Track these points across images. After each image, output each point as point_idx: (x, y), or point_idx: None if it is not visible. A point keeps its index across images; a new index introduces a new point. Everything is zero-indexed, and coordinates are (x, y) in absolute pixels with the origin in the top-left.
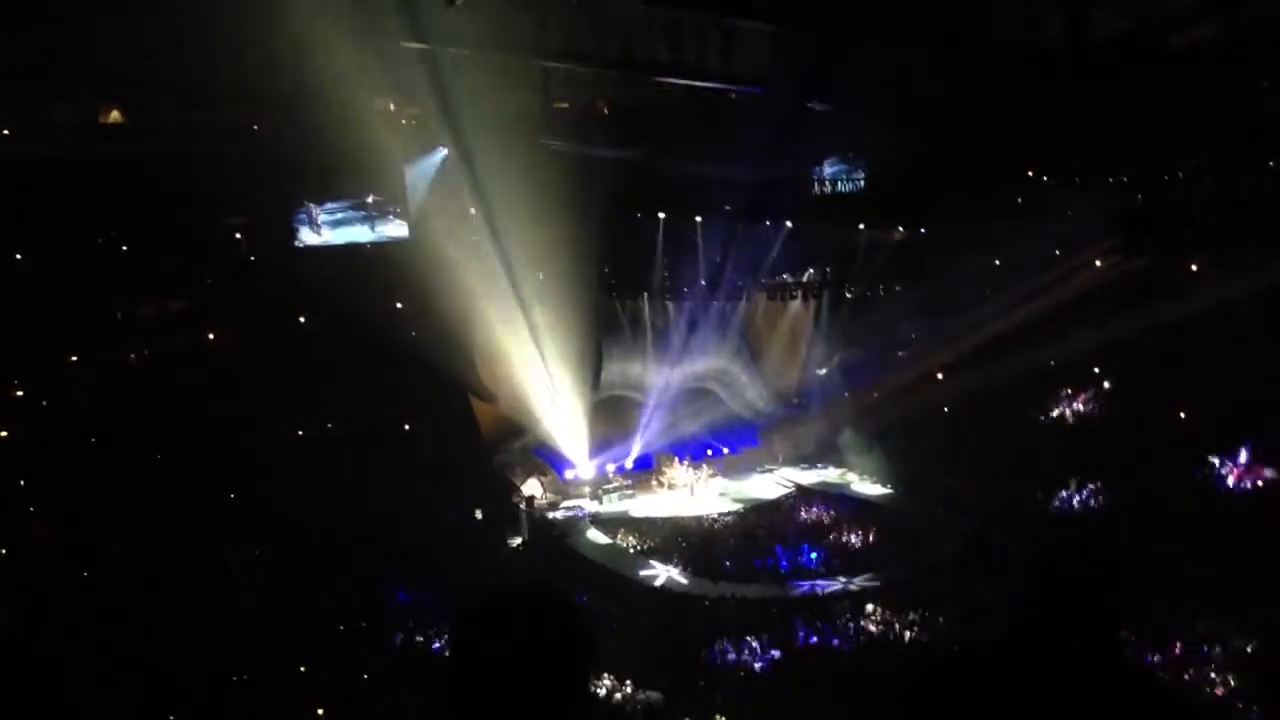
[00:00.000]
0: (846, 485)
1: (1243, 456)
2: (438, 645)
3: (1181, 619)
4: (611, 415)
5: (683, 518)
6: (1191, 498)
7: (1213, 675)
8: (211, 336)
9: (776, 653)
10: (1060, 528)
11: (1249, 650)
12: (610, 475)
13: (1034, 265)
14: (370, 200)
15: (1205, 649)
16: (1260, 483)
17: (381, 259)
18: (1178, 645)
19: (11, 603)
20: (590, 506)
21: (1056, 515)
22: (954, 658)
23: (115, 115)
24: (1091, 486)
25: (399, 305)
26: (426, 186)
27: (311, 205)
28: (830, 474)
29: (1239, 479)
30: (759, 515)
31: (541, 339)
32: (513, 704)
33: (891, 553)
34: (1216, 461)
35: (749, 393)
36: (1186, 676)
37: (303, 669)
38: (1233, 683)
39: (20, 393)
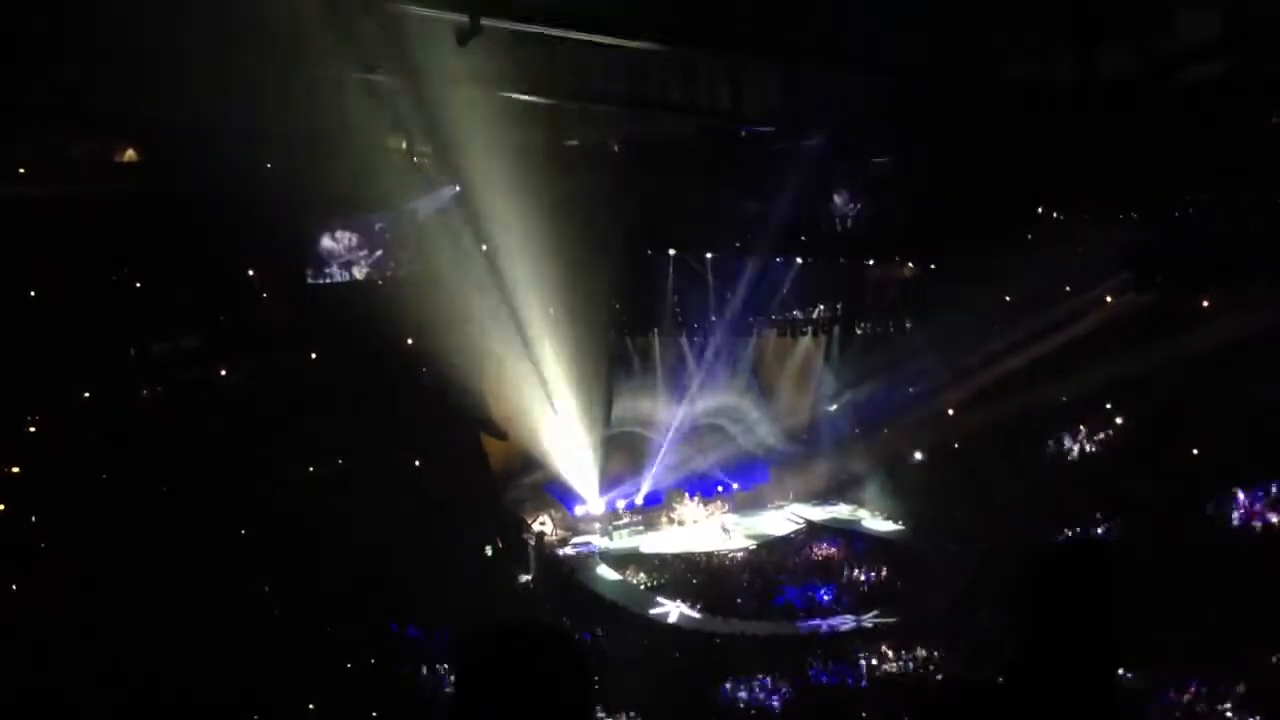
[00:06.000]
0: (858, 521)
1: (1257, 492)
2: (447, 682)
3: (1196, 656)
4: (622, 451)
5: (693, 554)
6: (1205, 534)
7: (1228, 714)
8: (224, 373)
9: (788, 691)
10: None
11: (1262, 688)
12: (620, 511)
13: (1044, 301)
14: (381, 238)
15: (1221, 687)
16: (1275, 519)
17: (392, 296)
18: (1193, 683)
19: (23, 636)
20: (600, 543)
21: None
22: (957, 692)
23: (131, 154)
24: (1104, 523)
25: (409, 342)
26: (437, 223)
27: (323, 243)
28: (841, 510)
29: (1252, 516)
30: (770, 552)
31: (552, 375)
32: None
33: (903, 590)
34: (1231, 497)
35: (760, 429)
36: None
37: (311, 706)
38: None
39: (34, 429)
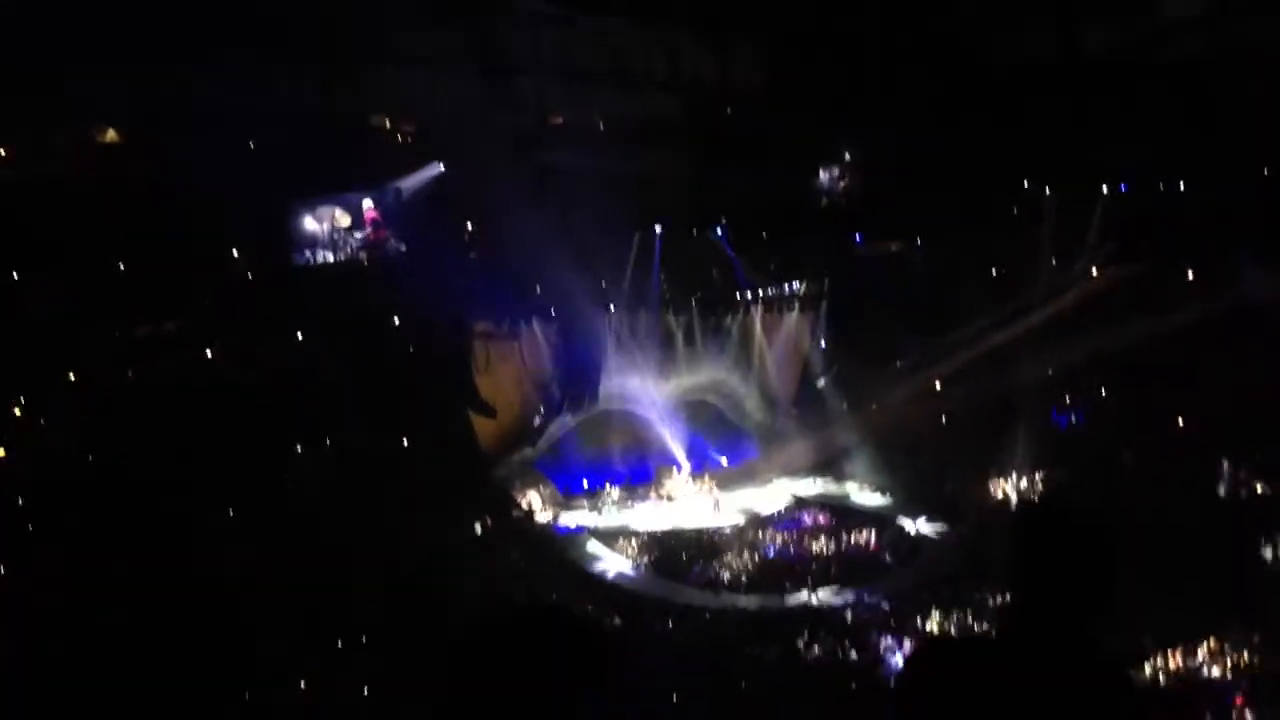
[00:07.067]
0: (846, 496)
1: (1242, 464)
2: (440, 661)
3: (1182, 622)
4: (610, 428)
5: (682, 530)
6: (1191, 505)
7: (1212, 683)
8: (209, 354)
9: (778, 663)
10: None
11: (1246, 656)
12: (609, 488)
13: (1031, 274)
14: (366, 217)
15: (1205, 653)
16: (1259, 490)
17: (378, 275)
18: (1177, 652)
19: (11, 621)
20: (590, 519)
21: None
22: (947, 644)
23: (111, 135)
24: (1092, 492)
25: (396, 321)
26: (421, 203)
27: (307, 223)
28: (829, 485)
29: (1238, 485)
30: (759, 526)
31: (539, 353)
32: None
33: (892, 562)
34: (1216, 469)
35: (748, 404)
36: (1185, 681)
37: (303, 684)
38: (1234, 689)
39: (19, 412)
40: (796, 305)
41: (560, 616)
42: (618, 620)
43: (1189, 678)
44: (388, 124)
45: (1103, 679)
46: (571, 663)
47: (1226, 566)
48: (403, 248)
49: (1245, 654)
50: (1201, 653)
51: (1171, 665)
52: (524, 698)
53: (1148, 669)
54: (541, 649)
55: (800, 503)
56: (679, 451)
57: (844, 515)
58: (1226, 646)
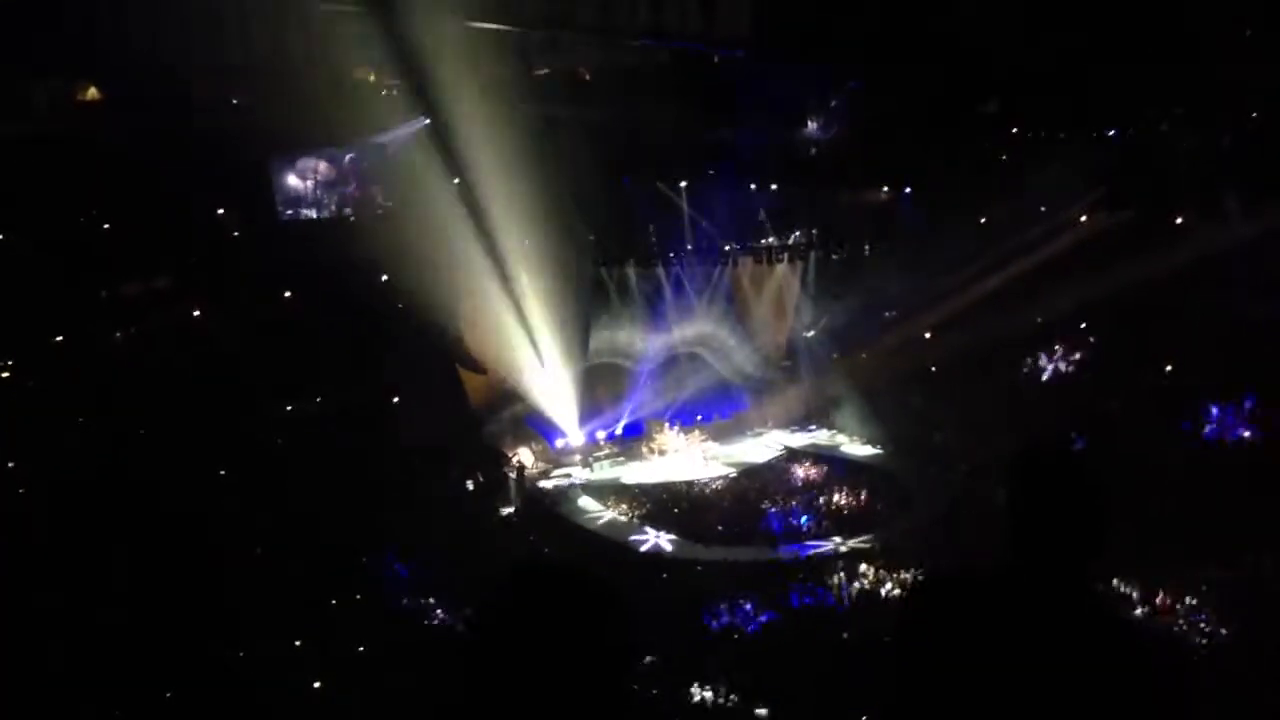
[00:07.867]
0: (836, 447)
1: (1230, 409)
2: (435, 618)
3: (1168, 566)
4: (601, 382)
5: (674, 483)
6: (1178, 450)
7: (1200, 624)
8: (196, 314)
9: (770, 615)
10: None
11: (1231, 597)
12: (601, 442)
13: (1019, 222)
14: (352, 172)
15: (1190, 596)
16: (1246, 434)
17: (364, 231)
18: (1163, 595)
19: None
20: (582, 474)
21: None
22: (943, 583)
23: (92, 93)
24: (1081, 439)
25: (384, 278)
26: (407, 157)
27: (292, 179)
28: (820, 436)
29: (1225, 431)
30: (750, 479)
31: (529, 308)
32: (545, 689)
33: (883, 512)
34: (1203, 414)
35: (737, 357)
36: (1175, 625)
37: (298, 642)
38: (1220, 630)
39: (6, 374)
40: (785, 256)
41: (583, 581)
42: (607, 573)
43: (1177, 618)
44: (371, 78)
45: (1094, 619)
46: (594, 629)
47: (1213, 510)
48: (389, 203)
49: (1231, 596)
50: (1188, 595)
51: (1160, 606)
52: (557, 660)
53: (1137, 611)
54: (568, 612)
55: (792, 454)
56: (670, 405)
57: (835, 465)
58: (1211, 589)
